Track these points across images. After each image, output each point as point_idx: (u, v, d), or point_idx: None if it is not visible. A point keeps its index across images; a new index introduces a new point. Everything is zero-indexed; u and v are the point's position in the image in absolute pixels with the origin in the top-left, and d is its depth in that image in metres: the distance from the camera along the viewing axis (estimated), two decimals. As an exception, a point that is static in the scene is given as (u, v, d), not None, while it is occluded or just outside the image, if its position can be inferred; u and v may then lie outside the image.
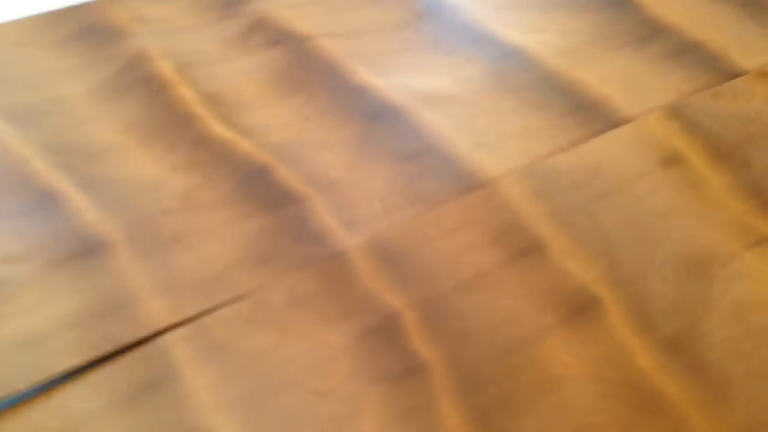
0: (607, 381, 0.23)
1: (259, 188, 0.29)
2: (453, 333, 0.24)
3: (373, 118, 0.32)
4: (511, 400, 0.22)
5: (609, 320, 0.24)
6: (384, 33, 0.36)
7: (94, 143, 0.30)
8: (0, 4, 0.37)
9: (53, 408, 0.22)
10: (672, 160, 0.29)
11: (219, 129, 0.31)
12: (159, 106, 0.32)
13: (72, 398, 0.22)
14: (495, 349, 0.24)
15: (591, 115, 0.32)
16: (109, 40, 0.34)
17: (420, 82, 0.34)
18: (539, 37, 0.36)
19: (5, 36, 0.35)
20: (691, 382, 0.23)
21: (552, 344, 0.24)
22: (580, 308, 0.25)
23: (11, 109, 0.31)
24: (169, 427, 0.22)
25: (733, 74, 0.34)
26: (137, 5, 0.36)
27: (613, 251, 0.26)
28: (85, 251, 0.26)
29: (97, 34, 0.35)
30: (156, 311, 0.24)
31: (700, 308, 0.24)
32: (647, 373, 0.23)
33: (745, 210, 0.27)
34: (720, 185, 0.28)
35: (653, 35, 0.36)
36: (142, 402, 0.22)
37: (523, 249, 0.26)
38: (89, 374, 0.23)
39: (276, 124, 0.31)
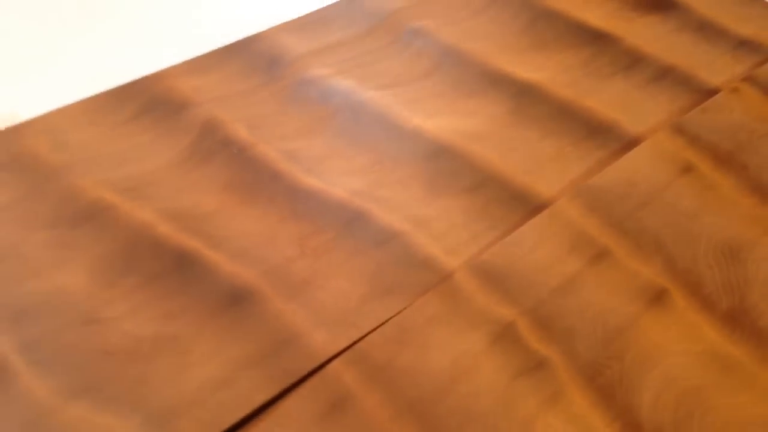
0: (690, 353, 0.29)
1: (362, 229, 0.33)
2: (561, 331, 0.30)
3: (431, 157, 0.37)
4: (624, 379, 0.28)
5: (677, 304, 0.31)
6: (413, 82, 0.42)
7: (202, 205, 0.34)
8: (57, 85, 0.40)
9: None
10: (686, 170, 0.36)
11: (308, 180, 0.35)
12: (245, 166, 0.36)
13: (275, 426, 0.27)
14: (598, 338, 0.30)
15: (606, 137, 0.39)
16: (177, 112, 0.38)
17: (458, 122, 0.39)
18: (544, 74, 0.43)
19: (76, 117, 0.38)
20: (754, 345, 0.29)
21: (642, 329, 0.30)
22: (654, 297, 0.31)
23: (116, 184, 0.35)
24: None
25: (707, 91, 0.41)
26: (190, 75, 0.40)
27: (665, 248, 0.33)
28: (235, 300, 0.30)
29: (163, 107, 0.38)
30: (319, 343, 0.29)
31: (744, 286, 0.31)
32: (718, 343, 0.29)
33: (752, 204, 0.35)
34: (728, 186, 0.36)
35: (635, 64, 0.43)
36: (332, 421, 0.27)
37: (595, 256, 0.32)
38: (281, 405, 0.27)
39: (352, 172, 0.36)
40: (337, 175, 0.36)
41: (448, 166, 0.37)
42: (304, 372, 0.28)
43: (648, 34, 0.45)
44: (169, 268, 0.31)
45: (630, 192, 0.35)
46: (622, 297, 0.31)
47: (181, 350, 0.29)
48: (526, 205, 0.35)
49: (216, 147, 0.36)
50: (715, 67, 0.43)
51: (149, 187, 0.35)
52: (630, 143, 0.38)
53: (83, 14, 0.44)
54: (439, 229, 0.34)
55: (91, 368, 0.28)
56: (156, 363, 0.28)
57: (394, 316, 0.30)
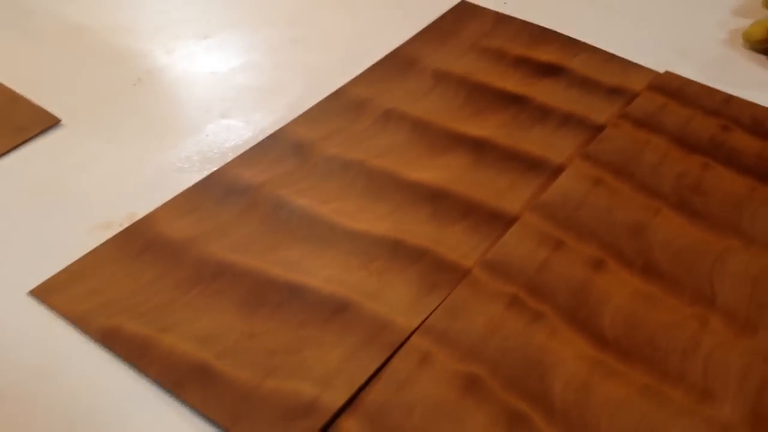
0: (624, 294, 0.47)
1: (400, 246, 0.50)
2: (547, 293, 0.47)
3: (431, 199, 0.54)
4: (594, 313, 0.46)
5: (611, 268, 0.49)
6: (399, 150, 0.59)
7: (291, 254, 0.50)
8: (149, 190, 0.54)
9: None
10: (597, 182, 0.55)
11: (349, 221, 0.52)
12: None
13: (388, 382, 0.42)
14: (571, 293, 0.47)
15: (541, 168, 0.57)
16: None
17: (440, 173, 0.57)
18: (487, 131, 0.61)
19: (179, 206, 0.53)
20: (662, 287, 0.48)
21: (594, 283, 0.48)
22: (596, 265, 0.49)
23: (228, 247, 0.50)
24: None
25: (597, 128, 0.60)
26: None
27: (596, 234, 0.51)
28: (338, 310, 0.46)
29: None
30: (401, 325, 0.45)
31: (648, 249, 0.50)
32: (640, 286, 0.48)
33: (642, 198, 0.54)
34: (625, 189, 0.54)
35: (546, 115, 0.62)
36: (422, 373, 0.43)
37: (554, 245, 0.50)
38: (387, 368, 0.43)
39: (379, 216, 0.53)
40: (366, 215, 0.52)
41: (443, 203, 0.54)
42: (398, 343, 0.44)
43: (548, 93, 0.65)
44: (286, 297, 0.47)
45: (566, 201, 0.53)
46: (579, 267, 0.49)
47: (314, 345, 0.44)
48: (501, 220, 0.52)
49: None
50: (597, 110, 0.63)
51: (252, 247, 0.50)
52: (557, 170, 0.56)
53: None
54: (451, 244, 0.51)
55: (261, 361, 0.43)
56: (302, 354, 0.44)
57: (441, 302, 0.47)
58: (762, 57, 0.71)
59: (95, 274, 0.48)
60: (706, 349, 0.44)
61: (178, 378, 0.42)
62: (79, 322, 0.45)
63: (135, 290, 0.47)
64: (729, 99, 0.64)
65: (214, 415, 0.40)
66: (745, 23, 0.74)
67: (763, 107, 0.63)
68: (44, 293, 0.47)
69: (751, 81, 0.68)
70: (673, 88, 0.65)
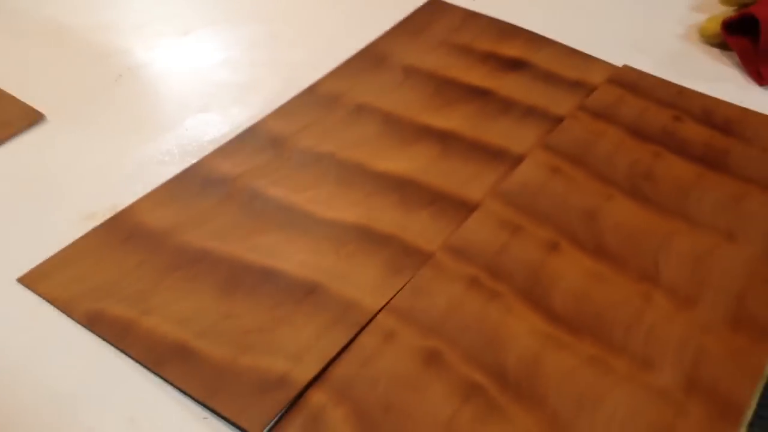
0: (578, 276, 0.51)
1: (369, 232, 0.53)
2: (504, 274, 0.50)
3: (399, 187, 0.57)
4: (540, 286, 0.50)
5: (565, 250, 0.52)
6: (371, 141, 0.62)
7: (265, 238, 0.53)
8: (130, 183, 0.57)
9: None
10: (555, 170, 0.59)
11: (318, 209, 0.55)
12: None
13: (354, 356, 0.46)
14: (528, 273, 0.50)
15: (503, 158, 0.60)
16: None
17: (409, 163, 0.60)
18: (454, 123, 0.64)
19: (161, 196, 0.56)
20: (613, 267, 0.52)
21: (548, 264, 0.51)
22: (551, 247, 0.52)
23: (206, 235, 0.53)
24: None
25: (557, 119, 0.64)
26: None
27: (552, 218, 0.54)
28: (309, 292, 0.49)
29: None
30: (368, 305, 0.48)
31: (600, 234, 0.53)
32: (592, 265, 0.51)
33: (596, 186, 0.57)
34: (580, 177, 0.58)
35: (509, 107, 0.65)
36: (387, 347, 0.46)
37: (514, 229, 0.54)
38: (355, 343, 0.46)
39: (351, 203, 0.56)
40: (337, 204, 0.55)
41: (411, 192, 0.57)
42: (364, 322, 0.48)
43: (513, 86, 0.68)
44: (261, 280, 0.50)
45: (525, 189, 0.57)
46: (535, 249, 0.52)
47: (286, 324, 0.47)
48: (465, 207, 0.56)
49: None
50: (559, 102, 0.66)
51: (229, 235, 0.53)
52: (519, 160, 0.60)
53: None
54: (417, 230, 0.54)
55: (237, 340, 0.46)
56: (275, 333, 0.47)
57: (406, 283, 0.50)
58: (716, 51, 0.75)
59: (80, 261, 0.51)
60: (649, 323, 0.47)
61: (159, 357, 0.45)
62: (65, 306, 0.48)
63: (118, 276, 0.50)
64: (682, 91, 0.68)
65: (193, 389, 0.43)
66: (702, 19, 0.77)
67: (714, 98, 0.67)
68: (32, 280, 0.50)
69: (705, 74, 0.71)
70: (630, 81, 0.68)
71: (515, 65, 0.70)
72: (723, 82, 0.70)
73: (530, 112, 0.65)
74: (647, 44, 0.75)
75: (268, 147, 0.61)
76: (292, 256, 0.52)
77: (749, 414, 0.43)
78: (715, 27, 0.74)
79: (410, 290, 0.49)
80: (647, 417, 0.42)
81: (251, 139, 0.62)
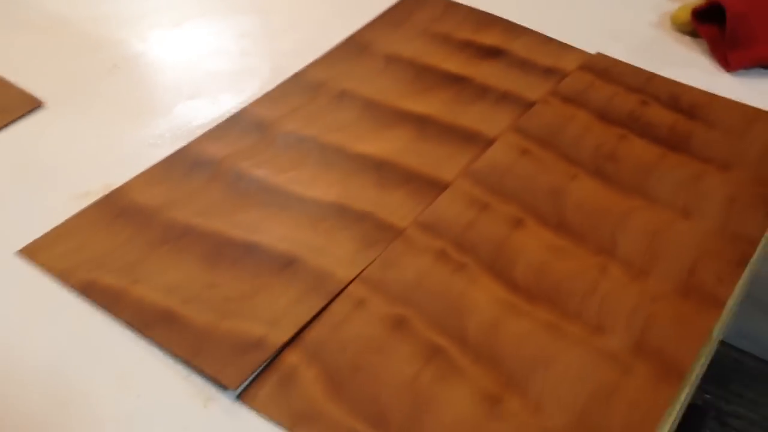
0: (539, 248, 0.54)
1: (345, 210, 0.57)
2: (470, 247, 0.54)
3: (375, 168, 0.61)
4: (502, 259, 0.53)
5: (530, 227, 0.56)
6: (351, 125, 0.65)
7: (249, 216, 0.56)
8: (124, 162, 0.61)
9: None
10: (524, 152, 0.62)
11: (302, 191, 0.58)
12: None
13: (326, 324, 0.49)
14: (492, 248, 0.54)
15: (476, 141, 0.63)
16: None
17: (385, 145, 0.63)
18: (432, 108, 0.67)
19: (153, 177, 0.60)
20: (573, 241, 0.55)
21: (512, 239, 0.55)
22: (516, 224, 0.56)
23: (192, 213, 0.57)
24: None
25: (529, 104, 0.67)
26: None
27: (519, 196, 0.58)
28: (287, 264, 0.53)
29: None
30: (341, 276, 0.52)
31: (562, 211, 0.57)
32: (553, 240, 0.55)
33: (563, 166, 0.60)
34: (548, 158, 0.61)
35: (484, 93, 0.69)
36: (358, 315, 0.50)
37: (481, 207, 0.57)
38: (327, 310, 0.50)
39: (329, 182, 0.59)
40: (317, 183, 0.59)
41: (387, 172, 0.61)
42: (337, 291, 0.51)
43: (489, 73, 0.71)
44: (243, 253, 0.54)
45: (494, 169, 0.60)
46: (500, 225, 0.56)
47: (265, 293, 0.51)
48: (438, 187, 0.59)
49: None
50: (532, 88, 0.69)
51: (214, 212, 0.57)
52: (490, 142, 0.63)
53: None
54: (391, 208, 0.57)
55: (219, 307, 0.50)
56: (254, 300, 0.50)
57: (378, 256, 0.53)
58: (687, 38, 0.78)
59: (75, 236, 0.55)
60: (603, 292, 0.51)
61: (147, 321, 0.49)
62: (61, 276, 0.52)
63: (110, 249, 0.54)
64: (651, 77, 0.71)
65: (177, 350, 0.47)
66: (675, 7, 0.80)
67: (681, 84, 0.70)
68: (30, 253, 0.54)
69: (676, 61, 0.74)
70: (602, 68, 0.72)
71: (492, 53, 0.74)
72: (692, 68, 0.73)
73: (504, 98, 0.68)
74: (621, 32, 0.78)
75: (254, 131, 0.64)
76: (273, 231, 0.55)
77: (692, 376, 0.46)
78: (686, 15, 0.77)
79: (381, 262, 0.53)
80: (595, 376, 0.46)
81: (238, 124, 0.65)
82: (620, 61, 0.72)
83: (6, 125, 0.65)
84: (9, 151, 0.62)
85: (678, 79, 0.71)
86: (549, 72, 0.71)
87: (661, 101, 0.67)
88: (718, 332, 0.49)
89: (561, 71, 0.71)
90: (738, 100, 0.68)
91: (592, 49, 0.74)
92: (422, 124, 0.65)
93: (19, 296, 0.51)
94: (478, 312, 0.49)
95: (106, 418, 0.44)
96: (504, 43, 0.75)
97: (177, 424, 0.44)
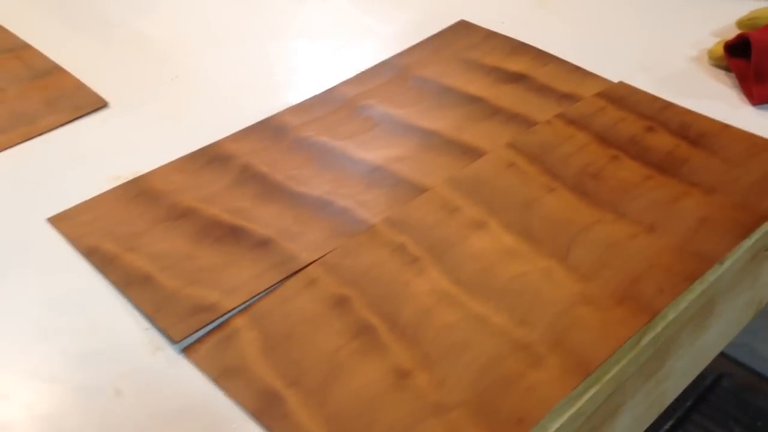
0: (494, 249, 0.57)
1: (331, 206, 0.62)
2: (434, 241, 0.57)
3: (371, 172, 0.66)
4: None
5: (493, 229, 0.58)
6: (361, 134, 0.71)
7: (242, 204, 0.63)
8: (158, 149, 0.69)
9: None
10: (510, 165, 0.64)
11: (301, 188, 0.64)
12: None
13: (280, 297, 0.54)
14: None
15: (472, 154, 0.67)
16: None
17: (388, 153, 0.68)
18: (441, 124, 0.71)
19: (175, 168, 0.68)
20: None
21: (470, 241, 0.57)
22: (477, 227, 0.58)
23: (195, 198, 0.64)
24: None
25: (533, 124, 0.70)
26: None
27: (496, 204, 0.60)
28: (262, 244, 0.58)
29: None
30: (303, 257, 0.57)
31: (528, 223, 0.59)
32: (511, 241, 0.57)
33: (543, 180, 0.62)
34: (533, 172, 0.63)
35: (495, 113, 0.72)
36: (313, 291, 0.55)
37: (452, 210, 0.60)
38: (283, 284, 0.55)
39: (326, 181, 0.65)
40: (313, 181, 0.64)
41: (380, 176, 0.65)
42: (295, 270, 0.56)
43: (505, 96, 0.74)
44: (226, 234, 0.60)
45: (476, 178, 0.63)
46: (462, 227, 0.58)
47: (233, 267, 0.56)
48: (420, 190, 0.63)
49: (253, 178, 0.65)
50: (543, 111, 0.72)
51: (214, 199, 0.64)
52: (482, 155, 0.66)
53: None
54: (371, 206, 0.62)
55: (190, 276, 0.56)
56: (222, 273, 0.56)
57: (342, 244, 0.58)
58: (722, 72, 0.77)
59: (96, 210, 0.64)
60: (540, 291, 0.52)
61: (128, 282, 0.56)
62: (75, 241, 0.61)
63: (119, 222, 0.62)
64: (667, 106, 0.71)
65: (144, 306, 0.54)
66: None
67: (695, 113, 0.70)
68: (56, 220, 0.63)
69: (701, 93, 0.74)
70: (618, 96, 0.73)
71: (515, 78, 0.77)
72: (716, 100, 0.73)
73: (513, 118, 0.71)
74: (653, 64, 0.78)
75: (272, 135, 0.71)
76: (258, 218, 0.61)
77: (606, 377, 0.47)
78: (721, 49, 0.76)
79: (342, 250, 0.57)
80: (505, 364, 0.48)
81: (260, 129, 0.72)
82: (639, 90, 0.73)
83: (75, 119, 0.76)
84: (72, 140, 0.73)
85: (699, 110, 0.70)
86: (565, 97, 0.73)
87: (669, 128, 0.68)
88: (651, 341, 0.50)
89: (577, 97, 0.73)
90: (757, 133, 0.67)
91: (619, 79, 0.75)
92: (427, 137, 0.69)
93: (40, 255, 0.60)
94: (416, 299, 0.53)
95: (71, 352, 0.51)
96: (530, 69, 0.78)
97: (127, 363, 0.51)
